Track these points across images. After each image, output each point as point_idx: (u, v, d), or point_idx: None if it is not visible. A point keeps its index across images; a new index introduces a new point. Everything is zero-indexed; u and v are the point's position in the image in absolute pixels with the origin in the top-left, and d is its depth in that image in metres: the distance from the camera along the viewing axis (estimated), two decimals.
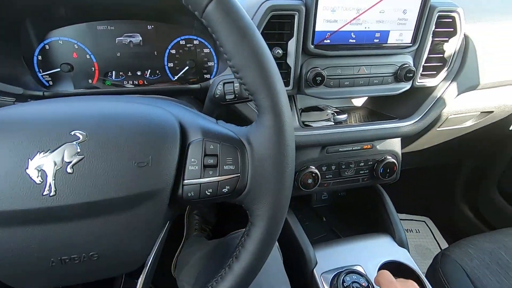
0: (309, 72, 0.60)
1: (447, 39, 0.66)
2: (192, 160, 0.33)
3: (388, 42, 0.63)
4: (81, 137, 0.29)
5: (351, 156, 0.73)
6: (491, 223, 1.38)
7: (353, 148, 0.72)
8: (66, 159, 0.28)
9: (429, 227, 1.57)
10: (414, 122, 0.71)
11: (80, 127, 0.30)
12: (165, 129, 0.33)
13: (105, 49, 0.66)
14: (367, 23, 0.60)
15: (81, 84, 0.67)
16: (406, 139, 0.88)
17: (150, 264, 0.35)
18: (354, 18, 0.59)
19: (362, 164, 0.75)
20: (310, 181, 0.70)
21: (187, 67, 0.70)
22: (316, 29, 0.58)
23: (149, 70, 0.70)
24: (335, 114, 0.73)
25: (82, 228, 0.29)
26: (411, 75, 0.65)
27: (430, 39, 0.65)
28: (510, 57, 0.74)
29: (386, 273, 0.51)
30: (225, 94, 0.45)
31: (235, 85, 0.45)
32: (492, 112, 0.89)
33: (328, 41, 0.60)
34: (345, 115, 0.74)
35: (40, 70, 0.64)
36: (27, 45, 0.62)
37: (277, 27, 0.56)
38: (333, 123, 0.72)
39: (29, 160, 0.28)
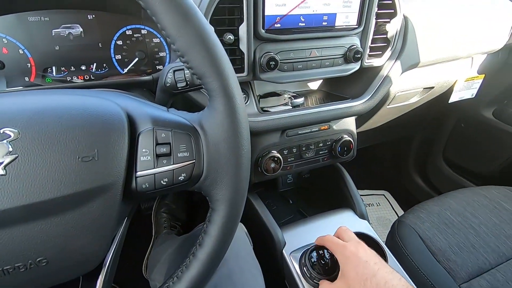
0: (262, 57, 0.61)
1: (389, 20, 0.70)
2: (144, 150, 0.32)
3: (336, 25, 0.65)
4: (12, 134, 0.27)
5: (310, 138, 0.76)
6: (439, 189, 1.53)
7: (312, 130, 0.74)
8: None
9: (388, 200, 1.69)
10: (365, 101, 0.75)
11: (11, 124, 0.27)
12: (110, 120, 0.31)
13: (41, 42, 0.60)
14: (315, 6, 0.61)
15: (16, 82, 0.61)
16: (361, 118, 0.93)
17: (109, 264, 0.34)
18: (302, 1, 0.60)
19: (321, 144, 0.78)
20: (273, 165, 0.72)
21: (136, 59, 0.67)
22: (266, 13, 0.58)
23: (94, 64, 0.65)
24: (292, 98, 0.75)
25: (24, 233, 0.27)
26: (359, 55, 0.68)
27: (374, 20, 0.68)
28: (444, 35, 0.81)
29: (343, 230, 0.55)
30: (176, 82, 0.44)
31: (185, 72, 0.43)
32: (433, 87, 0.97)
33: (279, 25, 0.60)
34: (302, 99, 0.76)
35: None
36: None
37: (227, 12, 0.56)
38: (291, 107, 0.73)
39: None
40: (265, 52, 0.61)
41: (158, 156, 0.32)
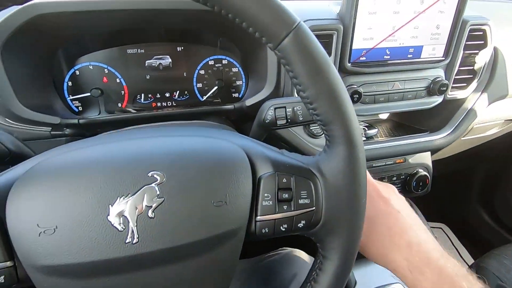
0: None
1: (478, 51, 0.67)
2: (266, 195, 0.32)
3: (421, 57, 0.63)
4: (159, 178, 0.28)
5: (384, 171, 0.72)
6: (509, 226, 1.37)
7: (386, 163, 0.71)
8: (147, 203, 0.27)
9: (446, 234, 1.55)
10: (447, 135, 0.71)
11: (157, 167, 0.29)
12: (236, 163, 0.32)
13: (135, 72, 0.65)
14: (402, 39, 0.60)
15: (111, 108, 0.66)
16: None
17: None
18: (390, 35, 0.59)
19: (394, 178, 0.74)
20: None
21: (216, 87, 0.70)
22: (353, 47, 0.57)
23: (177, 92, 0.69)
24: (366, 129, 0.73)
25: (163, 274, 0.28)
26: (444, 88, 0.65)
27: (462, 52, 0.65)
28: None
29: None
30: (277, 119, 0.44)
31: (287, 110, 0.44)
32: None
33: (364, 58, 0.59)
34: (376, 130, 0.73)
35: (70, 96, 0.63)
36: (57, 72, 0.60)
37: None
38: (365, 138, 0.71)
39: (110, 206, 0.26)
40: (348, 84, 0.60)
41: (279, 201, 0.32)
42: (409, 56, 0.62)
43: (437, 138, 0.70)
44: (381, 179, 0.72)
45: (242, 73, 0.71)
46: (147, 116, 0.65)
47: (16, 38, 0.47)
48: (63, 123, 0.54)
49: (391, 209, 0.37)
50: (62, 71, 0.61)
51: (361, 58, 0.59)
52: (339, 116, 0.31)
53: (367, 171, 0.40)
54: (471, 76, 0.69)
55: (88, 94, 0.63)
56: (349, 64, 0.58)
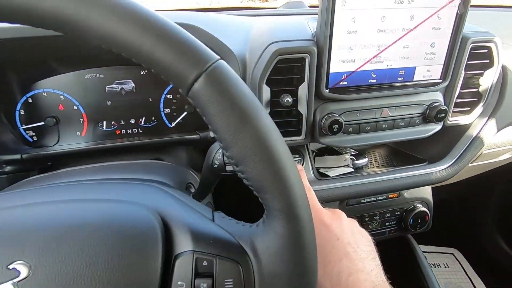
0: (324, 118, 0.52)
1: (482, 71, 0.57)
2: (179, 283, 0.24)
3: (414, 80, 0.54)
4: (22, 272, 0.21)
5: (376, 207, 0.63)
6: None
7: (378, 199, 0.62)
8: None
9: (458, 260, 1.42)
10: (448, 166, 0.61)
11: (24, 256, 0.22)
12: (143, 239, 0.25)
13: (94, 98, 0.59)
14: (389, 60, 0.52)
15: (69, 137, 0.61)
16: None
17: None
18: (374, 56, 0.50)
19: (388, 215, 0.65)
20: None
21: (185, 113, 0.63)
22: (331, 71, 0.50)
23: (143, 118, 0.63)
24: (354, 159, 0.64)
25: None
26: (443, 115, 0.55)
27: (463, 73, 0.56)
28: None
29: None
30: (225, 164, 0.37)
31: None
32: None
33: (345, 83, 0.51)
34: (366, 159, 0.64)
35: (23, 125, 0.58)
36: (8, 100, 0.56)
37: (286, 71, 0.49)
38: (353, 169, 0.63)
39: None
40: (327, 113, 0.52)
41: None
42: (399, 79, 0.53)
43: (437, 170, 0.61)
44: (371, 216, 0.63)
45: None
46: (104, 148, 0.59)
47: None
48: (1, 160, 0.49)
49: (330, 236, 0.35)
50: (14, 99, 0.56)
51: (341, 83, 0.51)
52: (273, 183, 0.23)
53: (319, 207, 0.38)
54: (476, 99, 0.60)
55: (42, 123, 0.58)
56: (327, 90, 0.50)
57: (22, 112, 0.57)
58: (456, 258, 1.43)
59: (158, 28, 0.21)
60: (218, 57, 0.23)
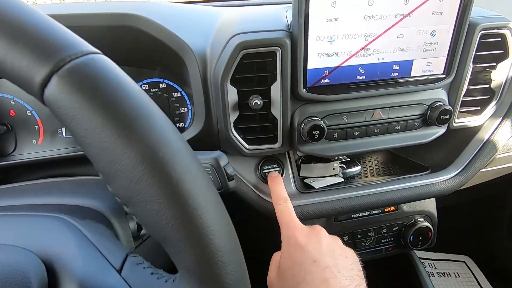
0: (303, 123, 0.44)
1: (495, 64, 0.48)
2: None
3: (411, 76, 0.46)
4: None
5: (369, 223, 0.55)
6: None
7: (371, 213, 0.54)
8: None
9: (470, 269, 1.32)
10: (455, 176, 0.53)
11: None
12: None
13: None
14: (381, 53, 0.43)
15: (25, 146, 0.55)
16: None
17: None
18: (362, 48, 0.42)
19: (384, 231, 0.56)
20: None
21: None
22: (309, 67, 0.42)
23: None
24: (344, 167, 0.56)
25: None
26: (447, 116, 0.47)
27: (471, 66, 0.47)
28: None
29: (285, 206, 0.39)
30: None
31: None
32: None
33: (327, 81, 0.43)
34: (358, 168, 0.56)
35: None
36: None
37: (255, 68, 0.41)
38: (342, 179, 0.54)
39: None
40: (306, 116, 0.44)
41: None
42: (393, 74, 0.45)
43: (442, 180, 0.52)
44: (365, 233, 0.55)
45: (186, 98, 0.57)
46: (62, 158, 0.53)
47: None
48: None
49: (305, 259, 0.32)
50: None
51: (322, 81, 0.43)
52: (176, 229, 0.16)
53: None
54: (487, 97, 0.51)
55: None
56: (305, 90, 0.42)
57: None
58: (468, 266, 1.32)
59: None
60: (88, 50, 0.16)
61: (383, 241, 0.57)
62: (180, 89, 0.56)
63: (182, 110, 0.58)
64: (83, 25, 0.39)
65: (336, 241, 0.35)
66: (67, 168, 0.57)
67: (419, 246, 0.57)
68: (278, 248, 0.37)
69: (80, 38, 0.16)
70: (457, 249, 1.37)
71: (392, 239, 0.57)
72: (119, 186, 0.16)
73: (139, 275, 0.21)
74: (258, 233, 0.65)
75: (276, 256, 0.37)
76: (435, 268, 1.18)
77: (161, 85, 0.56)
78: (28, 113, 0.53)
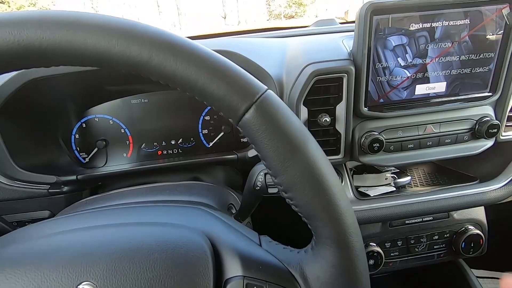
0: (363, 137, 0.51)
1: None
2: None
3: (459, 94, 0.51)
4: None
5: (422, 229, 0.60)
6: None
7: (423, 219, 0.59)
8: None
9: None
10: (504, 185, 0.56)
11: (90, 276, 0.23)
12: (194, 263, 0.25)
13: (139, 121, 0.64)
14: (432, 77, 0.50)
15: (116, 158, 0.65)
16: None
17: None
18: (416, 72, 0.49)
19: (436, 237, 0.60)
20: (371, 262, 0.58)
21: (222, 133, 0.65)
22: (369, 89, 0.49)
23: (183, 139, 0.66)
24: (396, 177, 0.61)
25: None
26: (495, 130, 0.52)
27: None
28: None
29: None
30: (267, 186, 0.37)
31: None
32: None
33: (385, 100, 0.50)
34: (408, 178, 0.61)
35: (78, 148, 0.63)
36: (65, 126, 0.61)
37: (323, 91, 0.49)
38: (394, 188, 0.60)
39: None
40: (366, 131, 0.51)
41: None
42: (443, 94, 0.51)
43: (492, 189, 0.56)
44: (417, 239, 0.60)
45: None
46: (148, 169, 0.62)
47: (11, 103, 0.47)
48: (60, 181, 0.53)
49: None
50: (70, 125, 0.62)
51: (380, 100, 0.50)
52: (323, 210, 0.23)
53: None
54: None
55: (95, 148, 0.63)
56: (366, 109, 0.49)
57: (77, 136, 0.62)
58: None
59: (209, 64, 0.22)
60: (265, 87, 0.24)
61: (435, 247, 0.61)
62: None
63: None
64: None
65: None
66: (148, 176, 0.66)
67: (471, 253, 0.60)
68: None
69: (256, 78, 0.25)
70: (503, 267, 1.33)
71: (443, 245, 0.61)
72: (285, 178, 0.23)
73: (275, 248, 0.28)
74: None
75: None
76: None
77: None
78: (122, 131, 0.64)
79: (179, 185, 0.50)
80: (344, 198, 0.24)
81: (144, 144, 0.66)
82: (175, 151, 0.67)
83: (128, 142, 0.65)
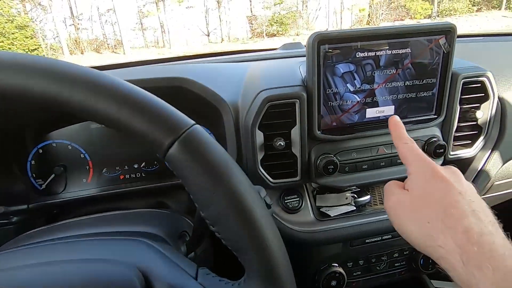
0: (319, 159, 0.52)
1: (478, 105, 0.57)
2: None
3: (408, 116, 0.54)
4: None
5: (382, 248, 0.61)
6: None
7: (383, 238, 0.60)
8: None
9: None
10: None
11: None
12: None
13: (99, 146, 0.63)
14: (380, 101, 0.52)
15: (76, 184, 0.63)
16: None
17: None
18: (366, 96, 0.52)
19: (396, 255, 0.62)
20: (334, 283, 0.58)
21: None
22: (322, 113, 0.51)
23: (146, 162, 0.65)
24: (356, 196, 0.63)
25: None
26: (442, 150, 0.55)
27: (458, 107, 0.56)
28: None
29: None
30: None
31: None
32: None
33: (337, 123, 0.52)
34: (368, 197, 0.63)
35: (34, 175, 0.61)
36: (20, 152, 0.59)
37: (277, 116, 0.50)
38: (355, 208, 0.61)
39: None
40: (322, 153, 0.53)
41: None
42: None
43: None
44: (378, 257, 0.61)
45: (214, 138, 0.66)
46: (109, 194, 0.61)
47: None
48: (8, 211, 0.51)
49: (451, 188, 0.30)
50: (26, 151, 0.60)
51: (333, 124, 0.52)
52: (249, 243, 0.24)
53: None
54: (476, 132, 0.59)
55: (52, 174, 0.61)
56: (319, 132, 0.51)
57: (33, 162, 0.61)
58: None
59: (131, 101, 0.23)
60: (192, 122, 0.25)
61: (395, 264, 0.62)
62: (210, 132, 0.66)
63: None
64: (145, 87, 0.50)
65: (472, 186, 0.34)
66: (110, 202, 0.65)
67: (430, 269, 0.62)
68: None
69: (183, 113, 0.25)
70: None
71: (404, 262, 0.62)
72: (211, 211, 0.23)
73: (211, 281, 0.28)
74: None
75: (394, 185, 0.36)
76: None
77: None
78: (81, 156, 0.62)
79: (130, 214, 0.49)
80: (271, 230, 0.25)
81: (105, 168, 0.64)
82: (138, 175, 0.66)
83: (88, 167, 0.63)
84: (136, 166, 0.65)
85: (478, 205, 0.30)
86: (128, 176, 0.66)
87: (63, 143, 0.61)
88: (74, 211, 0.63)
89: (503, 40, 0.81)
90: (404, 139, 0.38)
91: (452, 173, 0.34)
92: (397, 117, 0.41)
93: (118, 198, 0.64)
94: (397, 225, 0.34)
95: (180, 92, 0.53)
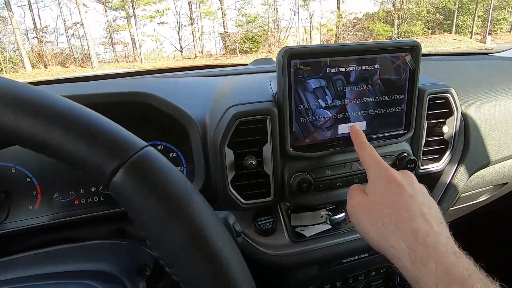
0: (292, 178, 0.50)
1: (444, 120, 0.59)
2: None
3: (379, 132, 0.54)
4: None
5: (359, 267, 0.59)
6: None
7: (360, 257, 0.58)
8: None
9: None
10: None
11: None
12: None
13: (48, 169, 0.56)
14: (352, 117, 0.52)
15: (20, 212, 0.55)
16: None
17: None
18: (337, 112, 0.51)
19: (373, 273, 0.60)
20: None
21: None
22: (294, 130, 0.49)
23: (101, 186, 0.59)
24: (331, 214, 0.61)
25: None
26: (412, 165, 0.55)
27: (425, 122, 0.57)
28: None
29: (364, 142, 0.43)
30: None
31: None
32: (506, 183, 0.78)
33: (310, 140, 0.51)
34: (343, 214, 0.61)
35: None
36: None
37: (248, 133, 0.48)
38: (330, 226, 0.59)
39: None
40: (295, 172, 0.50)
41: None
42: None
43: None
44: (356, 277, 0.58)
45: (182, 158, 0.62)
46: (61, 222, 0.54)
47: None
48: None
49: (403, 192, 0.34)
50: None
51: (306, 140, 0.50)
52: (214, 285, 0.20)
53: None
54: (443, 146, 0.60)
55: None
56: (292, 149, 0.49)
57: None
58: None
59: (68, 119, 0.19)
60: (143, 144, 0.21)
61: (373, 284, 0.60)
62: (176, 150, 0.61)
63: (179, 168, 0.62)
64: (100, 102, 0.45)
65: (424, 189, 0.38)
66: (62, 231, 0.57)
67: (406, 286, 0.60)
68: None
69: (133, 134, 0.21)
70: None
71: (381, 281, 0.61)
72: (166, 251, 0.19)
73: None
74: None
75: (356, 188, 0.40)
76: None
77: (159, 147, 0.61)
78: (28, 180, 0.55)
79: (78, 248, 0.43)
80: (240, 269, 0.21)
81: (56, 193, 0.57)
82: (95, 199, 0.59)
83: (35, 192, 0.56)
84: (93, 189, 0.59)
85: (427, 207, 0.33)
86: (84, 201, 0.59)
87: (5, 166, 0.54)
88: (17, 243, 0.55)
89: (460, 59, 0.86)
90: (364, 146, 0.42)
91: (406, 177, 0.37)
92: (357, 126, 0.47)
93: (71, 226, 0.57)
94: (357, 227, 0.37)
95: (144, 108, 0.49)
